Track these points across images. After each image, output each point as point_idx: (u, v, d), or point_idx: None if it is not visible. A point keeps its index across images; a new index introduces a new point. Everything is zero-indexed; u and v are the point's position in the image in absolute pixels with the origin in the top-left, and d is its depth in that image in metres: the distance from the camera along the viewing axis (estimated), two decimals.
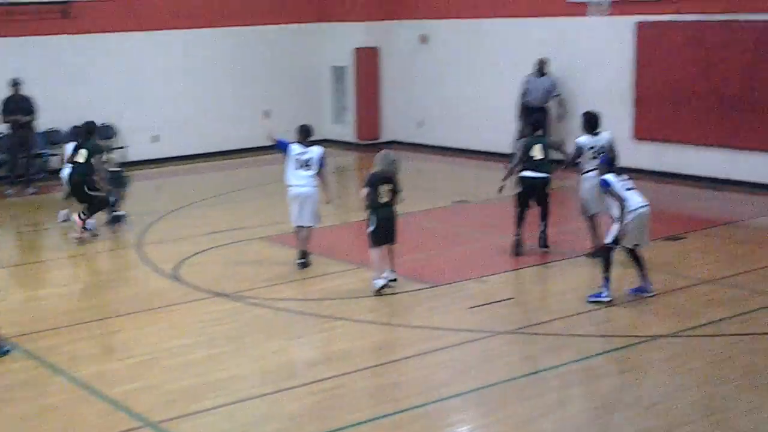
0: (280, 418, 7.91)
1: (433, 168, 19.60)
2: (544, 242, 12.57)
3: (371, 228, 10.91)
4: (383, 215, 10.84)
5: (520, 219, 12.51)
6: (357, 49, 22.09)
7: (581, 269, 11.93)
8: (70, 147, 14.49)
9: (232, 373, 8.93)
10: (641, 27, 17.19)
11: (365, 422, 7.67)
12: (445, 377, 8.61)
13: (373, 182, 10.83)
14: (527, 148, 12.47)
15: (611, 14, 17.15)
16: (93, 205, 13.96)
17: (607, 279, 10.35)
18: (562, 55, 18.59)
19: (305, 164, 11.98)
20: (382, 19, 22.04)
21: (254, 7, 21.92)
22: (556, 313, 10.26)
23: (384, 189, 10.83)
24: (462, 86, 20.20)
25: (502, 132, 19.83)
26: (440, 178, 18.71)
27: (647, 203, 10.48)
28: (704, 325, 9.59)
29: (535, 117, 13.56)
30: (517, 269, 11.86)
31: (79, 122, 19.72)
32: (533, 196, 12.45)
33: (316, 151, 12.04)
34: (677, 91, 16.55)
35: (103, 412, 8.07)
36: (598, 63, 18.00)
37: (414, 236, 13.47)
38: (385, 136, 22.43)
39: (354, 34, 22.11)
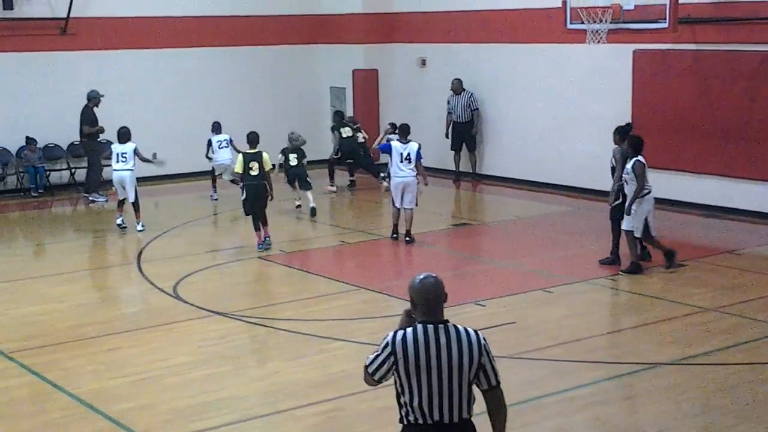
0: None
1: (433, 190, 19.58)
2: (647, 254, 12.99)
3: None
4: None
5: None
6: (356, 70, 22.17)
7: (582, 295, 11.95)
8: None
9: (232, 393, 8.92)
10: (638, 55, 17.25)
11: None
12: None
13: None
14: (626, 160, 12.50)
15: (609, 42, 17.19)
16: None
17: None
18: (561, 81, 18.66)
19: (406, 157, 14.14)
20: (381, 42, 22.12)
21: (253, 27, 22.00)
22: (556, 338, 10.24)
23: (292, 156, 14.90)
24: None
25: (503, 155, 19.90)
26: (441, 201, 18.70)
27: None
28: (705, 353, 9.58)
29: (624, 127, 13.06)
30: (517, 294, 11.85)
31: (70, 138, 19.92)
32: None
33: (414, 147, 14.29)
34: (674, 120, 16.59)
35: (104, 429, 8.05)
36: (596, 90, 18.05)
37: (413, 259, 13.46)
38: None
39: (353, 56, 22.18)
